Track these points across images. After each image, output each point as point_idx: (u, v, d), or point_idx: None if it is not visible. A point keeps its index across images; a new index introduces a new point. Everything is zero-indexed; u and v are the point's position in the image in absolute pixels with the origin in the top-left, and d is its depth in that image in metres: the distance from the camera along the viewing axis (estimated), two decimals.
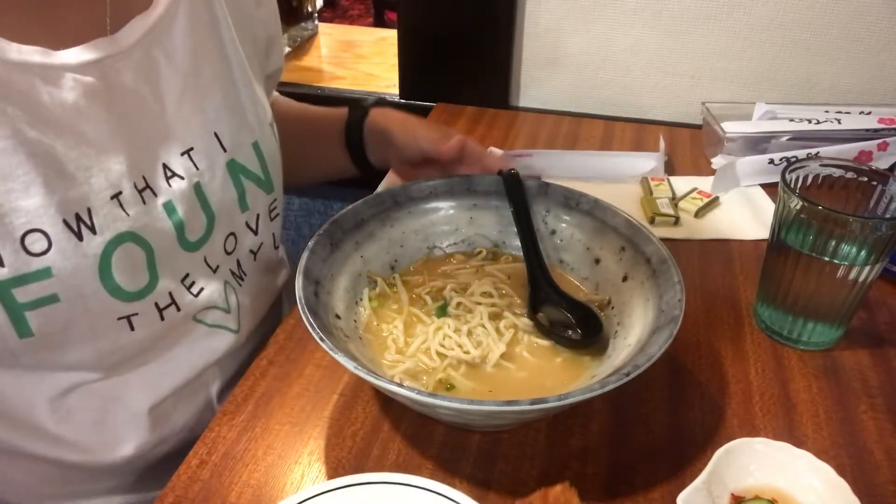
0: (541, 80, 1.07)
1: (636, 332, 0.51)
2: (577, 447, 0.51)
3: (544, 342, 0.55)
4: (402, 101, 1.10)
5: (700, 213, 0.79)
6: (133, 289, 0.52)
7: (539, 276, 0.59)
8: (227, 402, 0.55)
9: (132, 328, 0.53)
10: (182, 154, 0.55)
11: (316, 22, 1.37)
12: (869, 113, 0.88)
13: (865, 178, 0.57)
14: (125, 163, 0.51)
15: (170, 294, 0.55)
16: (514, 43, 1.04)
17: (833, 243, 0.54)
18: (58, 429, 0.56)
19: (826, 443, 0.52)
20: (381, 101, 0.79)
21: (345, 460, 0.50)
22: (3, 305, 0.47)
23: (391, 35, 1.24)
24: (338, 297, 0.55)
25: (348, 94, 1.14)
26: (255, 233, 0.63)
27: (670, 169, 0.89)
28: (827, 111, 0.89)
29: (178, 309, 0.56)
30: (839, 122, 0.86)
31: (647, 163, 0.87)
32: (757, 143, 0.87)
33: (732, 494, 0.46)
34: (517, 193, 0.63)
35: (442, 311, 0.57)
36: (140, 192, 0.52)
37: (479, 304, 0.58)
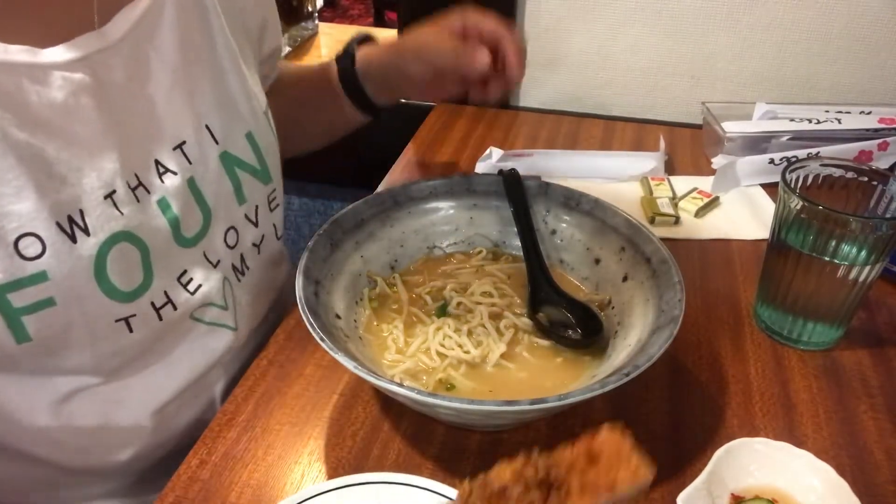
0: (541, 80, 1.07)
1: (636, 332, 0.51)
2: None
3: (544, 342, 0.55)
4: (402, 99, 1.09)
5: (700, 213, 0.79)
6: (128, 289, 0.51)
7: (539, 276, 0.59)
8: (228, 402, 0.55)
9: (130, 330, 0.53)
10: (174, 149, 0.54)
11: (316, 22, 1.37)
12: (869, 113, 0.88)
13: (866, 178, 0.57)
14: (118, 161, 0.50)
15: (165, 293, 0.54)
16: None
17: (833, 243, 0.54)
18: (59, 433, 0.56)
19: (826, 443, 0.52)
20: (361, 40, 0.77)
21: (345, 460, 0.50)
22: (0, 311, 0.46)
23: (391, 35, 1.24)
24: (338, 297, 0.55)
25: None
26: (256, 225, 0.63)
27: (670, 169, 0.89)
28: (827, 111, 0.89)
29: (175, 308, 0.55)
30: (839, 122, 0.86)
31: (647, 163, 0.87)
32: (757, 143, 0.87)
33: (732, 494, 0.46)
34: (517, 193, 0.63)
35: (442, 311, 0.57)
36: (133, 190, 0.51)
37: (480, 303, 0.58)
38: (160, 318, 0.54)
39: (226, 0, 0.59)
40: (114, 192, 0.50)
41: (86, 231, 0.48)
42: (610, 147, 0.95)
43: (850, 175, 0.58)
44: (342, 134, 0.84)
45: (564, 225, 0.62)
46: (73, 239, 0.48)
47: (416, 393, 0.42)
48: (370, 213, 0.60)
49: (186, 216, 0.55)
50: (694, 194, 0.81)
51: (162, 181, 0.53)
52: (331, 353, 0.44)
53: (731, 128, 0.87)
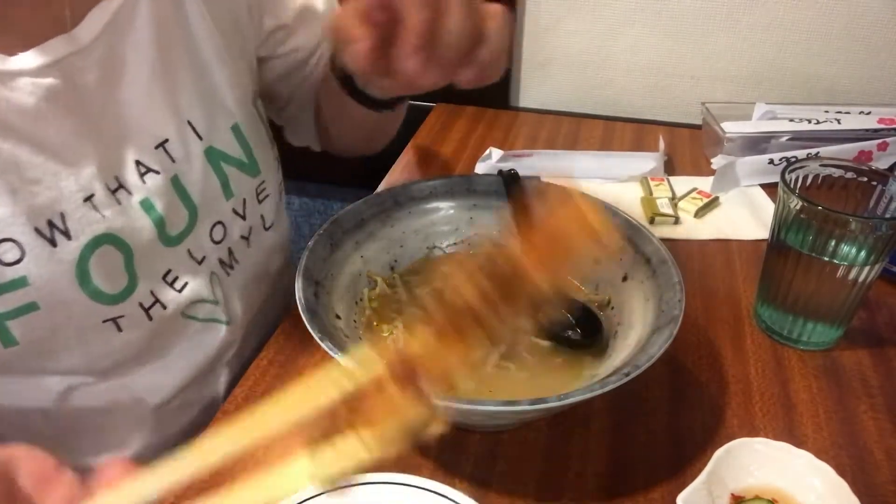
0: (541, 81, 1.07)
1: (636, 332, 0.51)
2: (577, 447, 0.51)
3: (544, 342, 0.55)
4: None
5: (700, 213, 0.79)
6: (113, 291, 0.51)
7: None
8: (227, 402, 0.55)
9: (120, 329, 0.52)
10: (156, 147, 0.53)
11: None
12: (869, 113, 0.88)
13: (865, 178, 0.57)
14: (95, 164, 0.49)
15: (152, 293, 0.54)
16: (513, 43, 1.04)
17: (833, 243, 0.54)
18: (56, 433, 0.55)
19: (826, 443, 0.52)
20: None
21: None
22: None
23: None
24: (338, 297, 0.55)
25: None
26: (244, 218, 0.62)
27: (670, 169, 0.89)
28: (827, 111, 0.89)
29: (165, 307, 0.55)
30: (839, 122, 0.86)
31: (647, 163, 0.87)
32: (757, 143, 0.87)
33: (732, 494, 0.46)
34: (517, 193, 0.63)
35: None
36: (114, 192, 0.50)
37: None
38: (150, 318, 0.54)
39: None
40: (93, 195, 0.49)
41: (66, 235, 0.48)
42: (610, 147, 0.95)
43: (849, 175, 0.58)
44: (381, 134, 0.74)
45: None
46: (53, 243, 0.47)
47: None
48: (370, 213, 0.60)
49: (171, 215, 0.54)
50: (694, 194, 0.81)
51: (144, 181, 0.52)
52: (331, 353, 0.44)
53: (731, 128, 0.87)
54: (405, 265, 0.63)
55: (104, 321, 0.51)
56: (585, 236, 0.30)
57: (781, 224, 0.57)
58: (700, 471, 0.45)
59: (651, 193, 0.81)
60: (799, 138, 0.86)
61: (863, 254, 0.54)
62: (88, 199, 0.49)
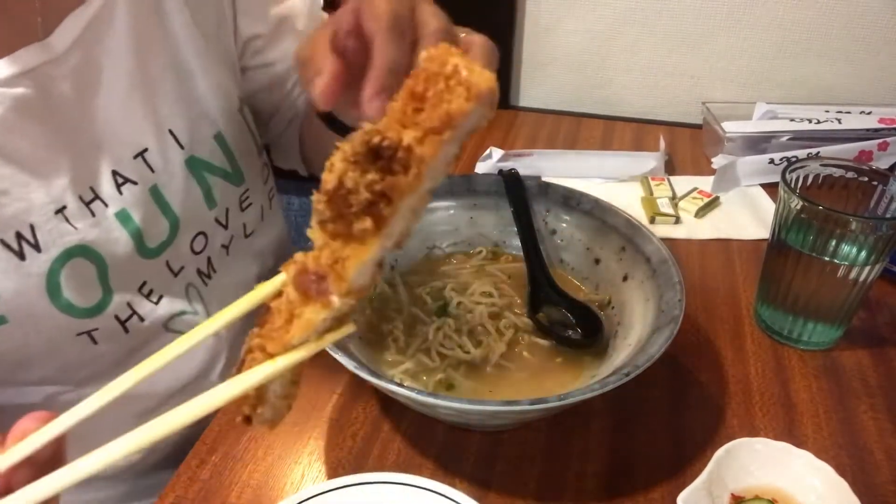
0: (541, 80, 1.07)
1: (636, 332, 0.51)
2: (577, 447, 0.51)
3: (544, 342, 0.55)
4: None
5: (700, 212, 0.79)
6: (86, 305, 0.50)
7: (539, 275, 0.59)
8: (220, 412, 0.55)
9: (95, 342, 0.51)
10: (135, 157, 0.52)
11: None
12: (869, 113, 0.88)
13: (866, 178, 0.57)
14: (68, 175, 0.48)
15: (129, 305, 0.53)
16: (513, 43, 1.04)
17: (833, 243, 0.54)
18: None
19: (826, 443, 0.51)
20: None
21: (345, 460, 0.50)
22: None
23: None
24: None
25: None
26: (226, 227, 0.61)
27: (670, 169, 0.89)
28: (827, 111, 0.89)
29: (142, 319, 0.54)
30: (839, 122, 0.86)
31: (647, 163, 0.87)
32: (757, 143, 0.87)
33: (732, 494, 0.46)
34: (517, 193, 0.63)
35: (442, 311, 0.57)
36: (87, 204, 0.49)
37: (480, 303, 0.58)
38: (126, 331, 0.53)
39: None
40: (64, 206, 0.48)
41: (36, 247, 0.47)
42: (610, 147, 0.96)
43: (850, 175, 0.58)
44: None
45: (564, 225, 0.62)
46: (22, 256, 0.46)
47: (417, 393, 0.42)
48: None
49: (150, 226, 0.53)
50: (694, 194, 0.81)
51: (120, 192, 0.51)
52: (331, 353, 0.44)
53: (731, 128, 0.87)
54: (405, 265, 0.63)
55: (78, 334, 0.50)
56: (448, 82, 0.27)
57: (782, 224, 0.57)
58: (700, 471, 0.45)
59: (651, 193, 0.81)
60: (799, 138, 0.86)
61: (863, 254, 0.54)
62: (60, 210, 0.47)
